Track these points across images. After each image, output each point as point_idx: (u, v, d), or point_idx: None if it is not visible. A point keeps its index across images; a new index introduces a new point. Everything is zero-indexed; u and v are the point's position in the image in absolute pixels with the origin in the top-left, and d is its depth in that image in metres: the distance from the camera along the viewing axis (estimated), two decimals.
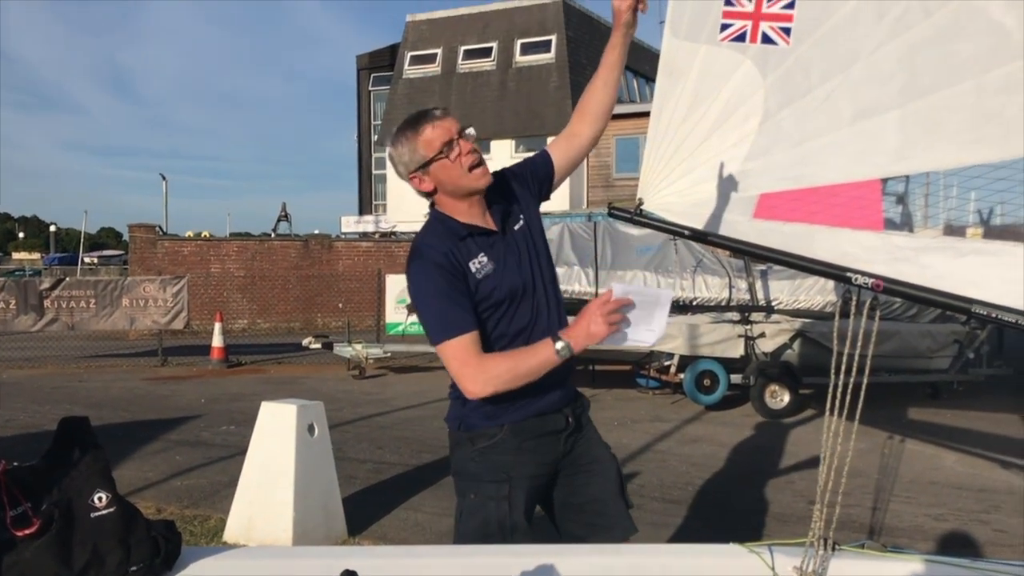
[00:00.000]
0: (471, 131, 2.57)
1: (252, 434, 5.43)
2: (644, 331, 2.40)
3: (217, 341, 14.92)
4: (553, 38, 28.61)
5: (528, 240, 2.66)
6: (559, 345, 2.38)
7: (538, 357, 2.41)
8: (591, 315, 2.35)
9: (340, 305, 21.25)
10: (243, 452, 5.58)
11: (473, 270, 2.50)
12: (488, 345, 2.51)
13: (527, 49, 29.06)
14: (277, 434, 5.31)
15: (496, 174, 2.73)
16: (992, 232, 3.34)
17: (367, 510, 5.98)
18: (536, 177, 2.78)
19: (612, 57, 2.81)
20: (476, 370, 2.43)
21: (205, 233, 25.41)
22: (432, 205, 2.67)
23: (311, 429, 5.35)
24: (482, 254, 2.54)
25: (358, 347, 13.37)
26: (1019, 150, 2.73)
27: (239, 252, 22.14)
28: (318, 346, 13.89)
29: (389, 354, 13.69)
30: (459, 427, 2.63)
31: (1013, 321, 2.82)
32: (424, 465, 7.36)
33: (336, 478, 5.52)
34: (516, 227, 2.65)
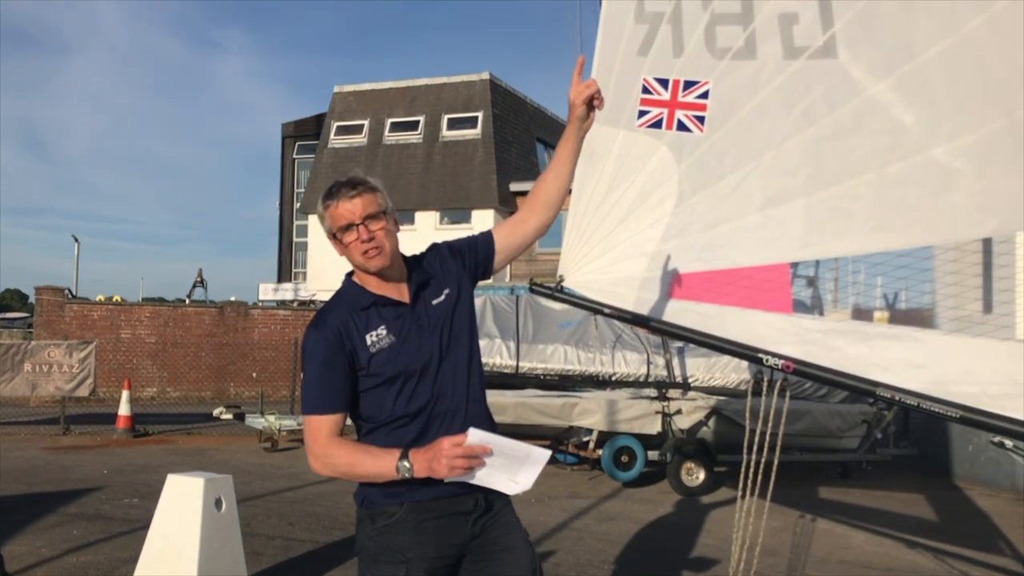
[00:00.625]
0: (380, 213, 2.55)
1: (156, 508, 5.21)
2: (505, 480, 2.37)
3: (124, 409, 14.38)
4: (480, 114, 29.09)
5: (446, 316, 2.63)
6: (403, 464, 2.39)
7: (379, 466, 2.44)
8: (437, 453, 2.36)
9: (254, 375, 20.78)
10: (146, 527, 5.34)
11: (368, 343, 2.52)
12: (384, 421, 2.54)
13: (454, 124, 29.47)
14: (182, 508, 5.11)
15: (433, 246, 2.77)
16: (897, 317, 3.48)
17: None
18: (475, 255, 2.78)
19: (565, 150, 2.80)
20: (321, 451, 2.51)
21: (116, 297, 24.68)
22: (351, 272, 2.69)
23: (218, 503, 5.17)
24: (383, 327, 2.55)
25: (271, 418, 13.05)
26: (919, 239, 2.87)
27: (151, 318, 21.57)
28: (229, 416, 13.52)
29: (303, 426, 13.37)
30: (362, 503, 2.60)
31: (915, 404, 2.92)
32: (335, 543, 7.15)
33: (243, 555, 5.33)
34: (435, 301, 2.64)
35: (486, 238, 2.82)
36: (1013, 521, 8.98)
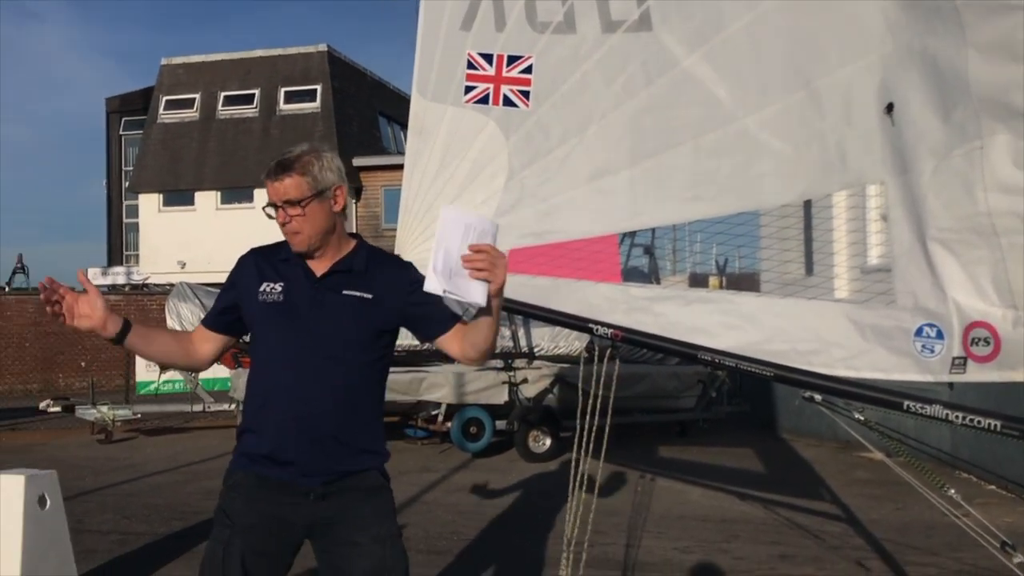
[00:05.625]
0: (299, 200, 2.56)
1: None
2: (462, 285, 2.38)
3: None
4: (318, 87, 28.40)
5: (346, 309, 2.58)
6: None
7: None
8: None
9: (83, 364, 19.65)
10: None
11: (259, 289, 2.62)
12: (254, 365, 2.68)
13: (291, 97, 28.65)
14: (1, 509, 4.80)
15: (405, 264, 2.76)
16: (729, 281, 3.65)
17: None
18: (417, 316, 2.64)
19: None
20: None
21: None
22: None
23: (42, 501, 4.88)
24: (281, 284, 2.62)
25: (103, 409, 12.40)
26: (732, 207, 3.01)
27: None
28: (58, 409, 12.77)
29: (139, 415, 12.81)
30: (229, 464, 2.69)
31: (733, 365, 3.08)
32: (174, 534, 6.90)
33: (72, 555, 5.05)
34: (347, 291, 2.60)
35: (440, 326, 2.66)
36: (833, 468, 9.67)
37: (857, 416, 3.00)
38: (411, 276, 2.68)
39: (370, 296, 2.61)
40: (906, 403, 2.75)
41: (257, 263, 2.69)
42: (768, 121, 2.85)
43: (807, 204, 3.13)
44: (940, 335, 2.73)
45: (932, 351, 2.75)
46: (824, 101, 2.83)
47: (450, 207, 2.47)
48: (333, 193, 2.62)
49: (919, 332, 2.76)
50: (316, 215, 2.58)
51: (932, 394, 2.83)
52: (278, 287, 2.61)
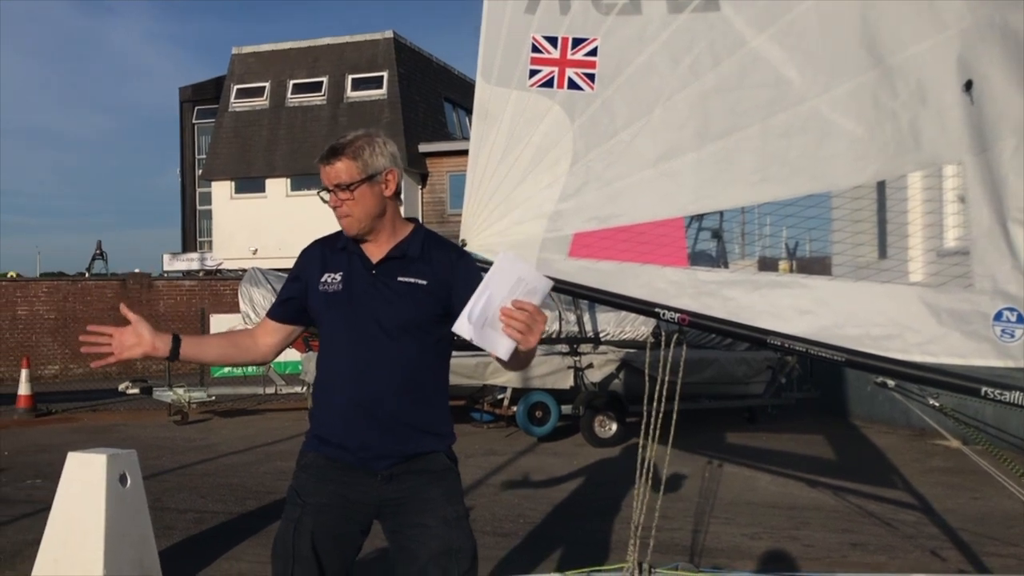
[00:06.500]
0: (349, 184, 2.60)
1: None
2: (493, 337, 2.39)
3: (24, 389, 13.88)
4: (384, 74, 28.62)
5: (397, 295, 2.62)
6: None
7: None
8: None
9: None
10: (50, 508, 5.20)
11: (320, 279, 2.68)
12: (321, 352, 2.73)
13: (358, 84, 28.94)
14: (85, 486, 4.98)
15: (462, 251, 2.85)
16: (799, 265, 3.56)
17: (186, 562, 5.69)
18: (456, 305, 2.55)
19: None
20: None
21: (12, 273, 23.69)
22: None
23: (123, 479, 5.05)
24: (340, 273, 2.67)
25: (179, 391, 12.77)
26: (803, 188, 2.95)
27: (50, 293, 20.76)
28: (136, 391, 13.18)
29: (213, 397, 13.15)
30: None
31: (804, 350, 3.02)
32: (248, 513, 7.09)
33: (151, 531, 5.23)
34: (401, 278, 2.64)
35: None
36: (908, 456, 9.46)
37: (932, 402, 2.93)
38: (464, 265, 2.73)
39: (424, 282, 2.65)
40: (984, 389, 2.67)
41: (321, 254, 2.75)
42: (839, 101, 2.78)
43: (880, 185, 3.05)
44: (1021, 319, 2.64)
45: (1012, 336, 2.67)
46: (897, 79, 2.75)
47: (509, 253, 2.42)
48: (384, 177, 2.65)
49: (999, 316, 2.68)
50: (366, 199, 2.62)
51: (1012, 380, 2.74)
52: (338, 276, 2.67)
